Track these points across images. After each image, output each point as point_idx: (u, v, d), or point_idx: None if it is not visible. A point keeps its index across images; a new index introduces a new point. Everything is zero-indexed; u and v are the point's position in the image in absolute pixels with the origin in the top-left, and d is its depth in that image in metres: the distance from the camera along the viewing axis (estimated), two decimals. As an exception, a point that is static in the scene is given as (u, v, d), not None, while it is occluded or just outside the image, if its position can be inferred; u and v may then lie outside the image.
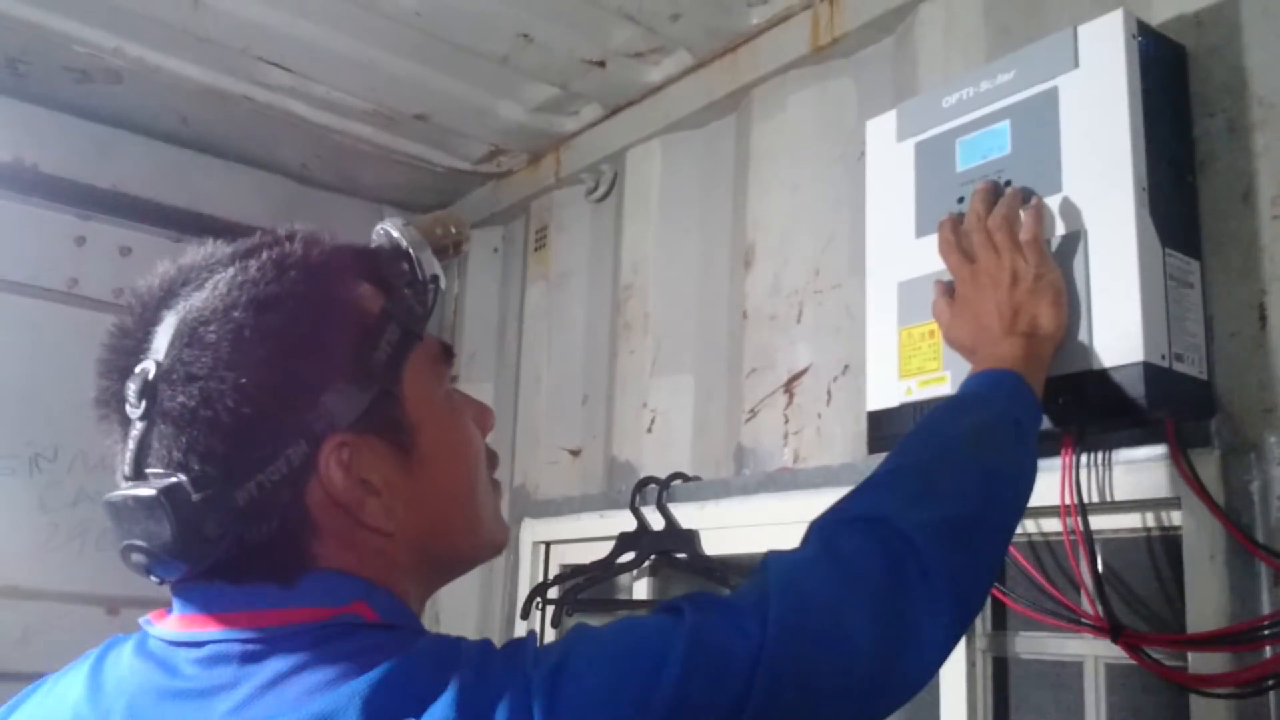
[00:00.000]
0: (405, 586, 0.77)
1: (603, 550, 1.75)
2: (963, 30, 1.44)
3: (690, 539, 1.62)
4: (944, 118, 1.26)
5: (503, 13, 1.71)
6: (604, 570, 1.71)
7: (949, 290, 1.13)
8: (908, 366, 1.23)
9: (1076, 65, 1.14)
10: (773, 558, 0.79)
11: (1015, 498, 0.93)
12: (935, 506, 0.84)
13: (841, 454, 1.48)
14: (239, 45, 1.84)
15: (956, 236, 1.13)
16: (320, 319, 0.74)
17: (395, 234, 0.81)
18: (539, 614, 1.85)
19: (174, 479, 0.69)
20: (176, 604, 0.75)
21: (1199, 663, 1.01)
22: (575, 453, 2.00)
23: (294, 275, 0.74)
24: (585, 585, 1.73)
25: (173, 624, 0.74)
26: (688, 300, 1.82)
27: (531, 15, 1.72)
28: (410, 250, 0.81)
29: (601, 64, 1.84)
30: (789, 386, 1.57)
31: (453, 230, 0.89)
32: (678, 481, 1.68)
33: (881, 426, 1.25)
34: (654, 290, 1.87)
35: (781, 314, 1.61)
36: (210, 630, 0.71)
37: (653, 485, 1.70)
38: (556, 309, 2.12)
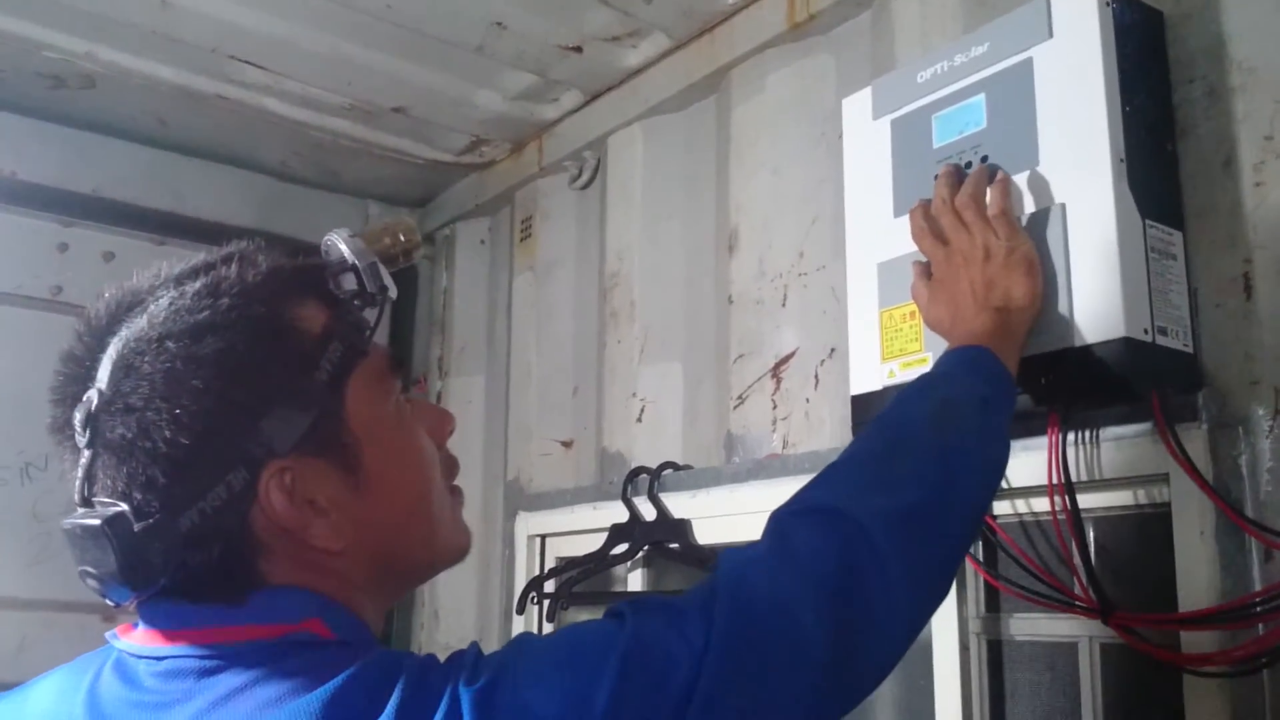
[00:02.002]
0: (361, 601, 0.77)
1: (597, 542, 1.73)
2: (939, 3, 1.41)
3: (682, 529, 1.61)
4: (919, 93, 1.24)
5: (475, 1, 1.68)
6: (598, 563, 1.70)
7: (927, 271, 1.11)
8: (890, 349, 1.21)
9: (1050, 35, 1.11)
10: (725, 555, 0.77)
11: (980, 478, 0.90)
12: (891, 493, 0.83)
13: (830, 438, 1.46)
14: (210, 45, 1.82)
15: (929, 221, 1.11)
16: (254, 344, 0.73)
17: (341, 246, 0.80)
18: (535, 608, 1.84)
19: (117, 509, 0.69)
20: (141, 619, 0.75)
21: (1191, 642, 0.99)
22: (567, 444, 1.98)
23: (227, 302, 0.73)
24: (579, 578, 1.72)
25: (138, 638, 0.75)
26: (673, 286, 1.80)
27: (504, 2, 1.69)
28: (356, 263, 0.79)
29: (578, 49, 1.82)
30: (776, 371, 1.55)
31: (401, 238, 0.87)
32: (668, 471, 1.66)
33: (865, 410, 1.23)
34: (639, 277, 1.85)
35: (767, 298, 1.59)
36: (169, 646, 0.72)
37: (644, 475, 1.68)
38: (544, 299, 2.10)
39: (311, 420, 0.73)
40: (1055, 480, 1.09)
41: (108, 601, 0.73)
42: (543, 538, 1.96)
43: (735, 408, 1.61)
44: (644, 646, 0.68)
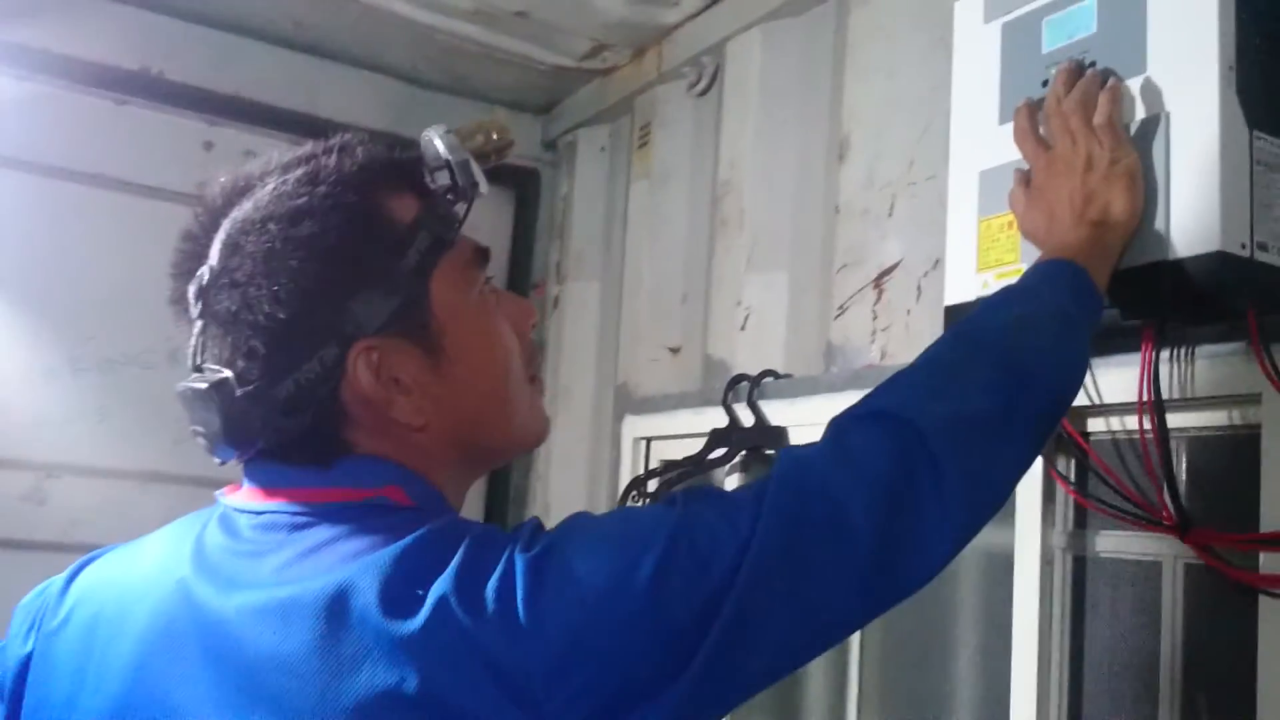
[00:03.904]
0: (440, 474, 0.83)
1: (699, 446, 1.77)
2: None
3: (779, 435, 1.63)
4: (1032, -4, 1.20)
5: (593, -97, 1.69)
6: (696, 465, 1.74)
7: (1026, 179, 1.09)
8: (986, 259, 1.20)
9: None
10: (784, 452, 0.80)
11: (1051, 394, 0.90)
12: (955, 401, 0.83)
13: (928, 350, 1.45)
14: (340, -53, 1.87)
15: (1032, 123, 1.09)
16: (346, 230, 0.78)
17: (437, 142, 0.84)
18: (637, 505, 1.89)
19: (222, 374, 0.77)
20: (245, 479, 0.83)
21: (1270, 562, 0.97)
22: (675, 350, 2.01)
23: (324, 190, 0.78)
24: (678, 479, 1.76)
25: (242, 495, 0.82)
26: (783, 196, 1.79)
27: (623, -96, 1.69)
28: (449, 158, 0.83)
29: (699, -47, 1.80)
30: (879, 282, 1.55)
31: (494, 137, 0.91)
32: (768, 379, 1.68)
33: (958, 321, 1.22)
34: (750, 186, 1.84)
35: (874, 208, 1.58)
36: (267, 502, 0.79)
37: (745, 383, 1.71)
38: (658, 207, 2.12)
39: (398, 304, 0.79)
40: (1145, 398, 1.07)
41: (215, 460, 0.81)
42: (648, 440, 2.01)
43: (837, 317, 1.61)
44: (692, 529, 0.71)
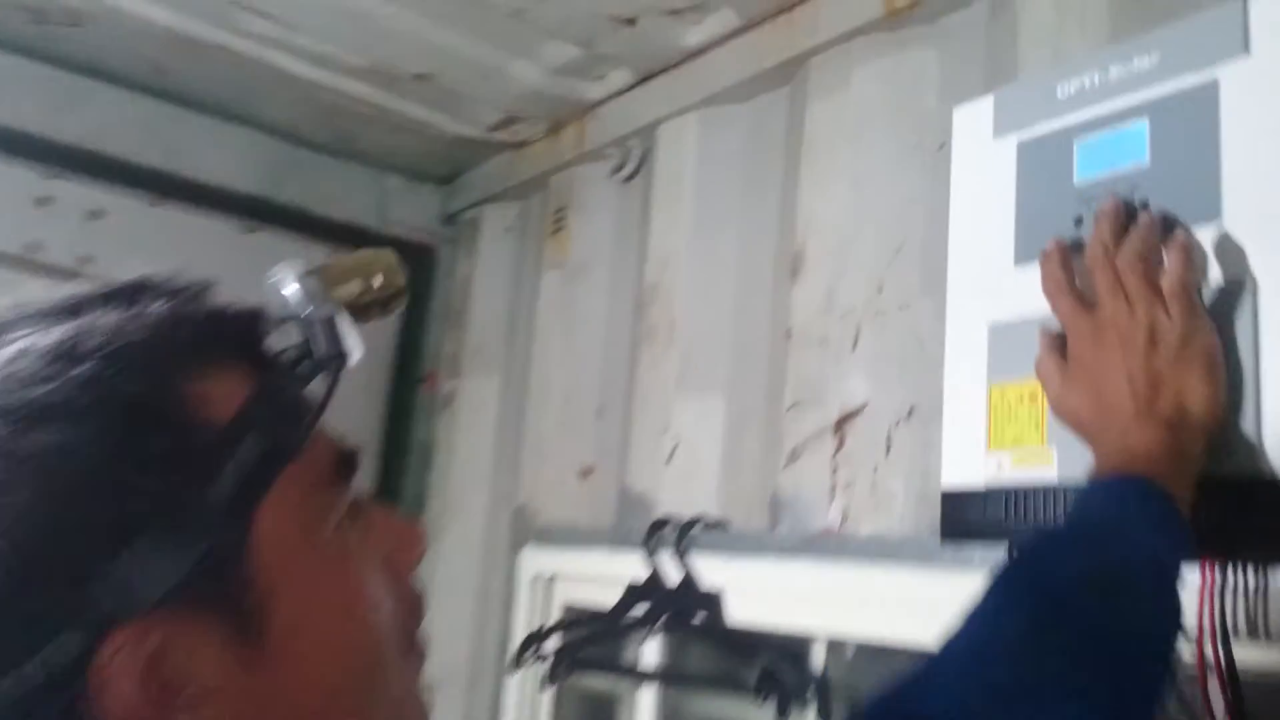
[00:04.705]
0: None
1: (611, 591, 1.49)
2: (1081, -3, 1.14)
3: (713, 601, 1.36)
4: (1058, 111, 0.97)
5: (515, -43, 1.43)
6: (608, 627, 1.46)
7: (1059, 345, 0.86)
8: (1000, 435, 0.95)
9: (1247, 51, 0.84)
10: None
11: (1154, 678, 0.66)
12: (1042, 707, 0.58)
13: (903, 520, 1.20)
14: (211, -12, 1.57)
15: (1068, 273, 0.86)
16: (114, 441, 0.47)
17: (289, 288, 0.55)
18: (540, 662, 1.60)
19: None
20: None
21: None
22: (587, 473, 1.73)
23: (87, 369, 0.47)
24: (585, 642, 1.48)
25: None
26: (722, 309, 1.54)
27: (549, -39, 1.43)
28: (307, 312, 0.54)
29: (631, 21, 1.55)
30: (840, 427, 1.30)
31: (376, 283, 0.60)
32: (700, 528, 1.41)
33: (960, 513, 0.97)
34: (683, 293, 1.59)
35: (834, 336, 1.33)
36: None
37: (671, 527, 1.44)
38: (574, 303, 1.85)
39: (195, 560, 0.47)
40: (1208, 627, 0.84)
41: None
42: (550, 579, 1.72)
43: (787, 465, 1.35)
44: None
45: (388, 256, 0.62)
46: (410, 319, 2.22)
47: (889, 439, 1.24)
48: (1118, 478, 0.73)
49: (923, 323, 1.23)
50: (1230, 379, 0.79)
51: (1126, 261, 0.82)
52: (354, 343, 0.56)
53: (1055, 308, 0.87)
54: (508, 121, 1.93)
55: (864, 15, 1.36)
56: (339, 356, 0.54)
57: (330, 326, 0.55)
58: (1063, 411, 0.85)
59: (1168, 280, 0.80)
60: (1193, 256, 0.81)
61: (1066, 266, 0.87)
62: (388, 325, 2.18)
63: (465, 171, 2.18)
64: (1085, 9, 1.14)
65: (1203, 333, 0.79)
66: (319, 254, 2.03)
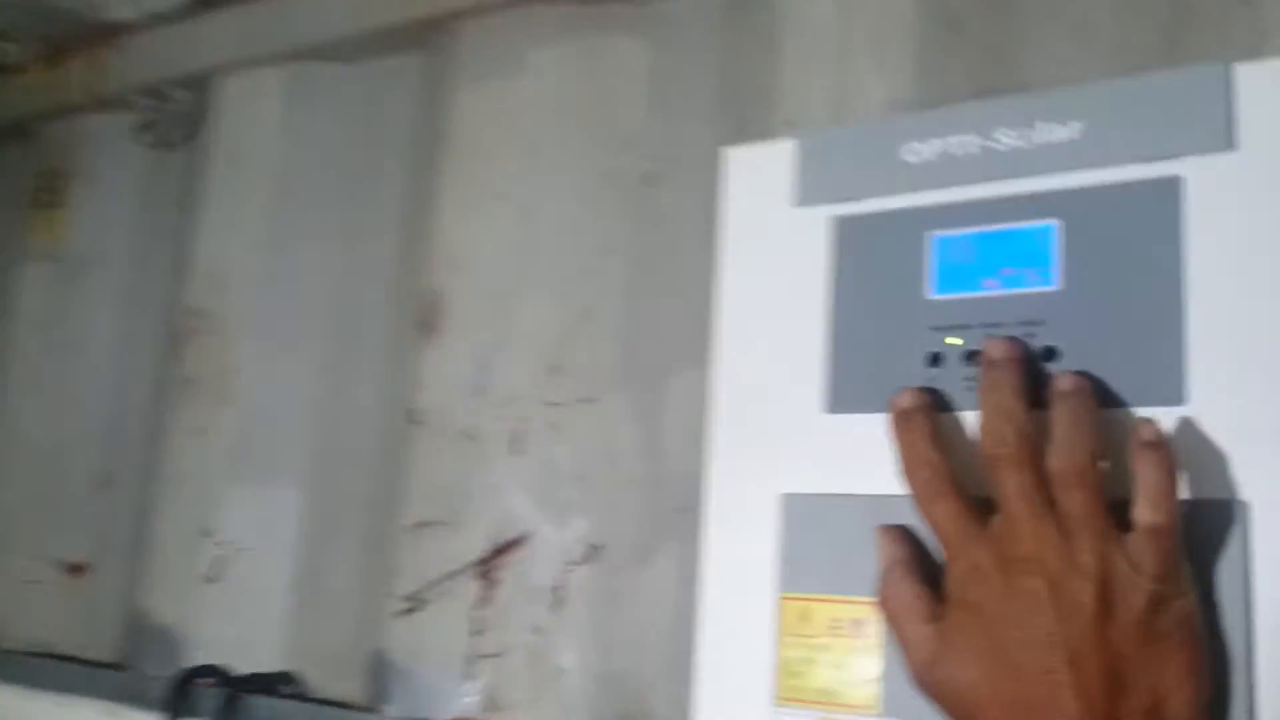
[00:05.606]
0: None
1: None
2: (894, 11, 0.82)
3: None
4: (904, 181, 0.64)
5: None
6: None
7: (914, 566, 0.55)
8: (792, 684, 0.61)
9: (1231, 146, 0.56)
10: None
11: None
12: None
13: (575, 712, 0.83)
14: None
15: (939, 450, 0.55)
16: None
17: None
18: None
19: None
20: None
21: None
22: (77, 570, 1.18)
23: None
24: None
25: None
26: (309, 361, 1.07)
27: None
28: None
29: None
30: (488, 565, 0.90)
31: None
32: (258, 694, 0.95)
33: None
34: (247, 327, 1.10)
35: (486, 430, 0.93)
36: None
37: (210, 686, 0.96)
38: (69, 316, 1.27)
39: None
40: None
41: None
42: (9, 733, 1.16)
43: (403, 612, 0.92)
44: None
45: None
46: None
47: (563, 588, 0.86)
48: None
49: (618, 426, 0.86)
50: (1216, 660, 0.50)
51: (1064, 464, 0.51)
52: None
53: (927, 513, 0.55)
54: (-22, 32, 1.30)
55: (548, -26, 0.96)
56: None
57: None
58: (935, 688, 0.52)
59: (1146, 512, 0.50)
60: (1168, 461, 0.51)
61: (936, 442, 0.55)
62: None
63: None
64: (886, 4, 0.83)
65: (1184, 595, 0.50)
66: None
